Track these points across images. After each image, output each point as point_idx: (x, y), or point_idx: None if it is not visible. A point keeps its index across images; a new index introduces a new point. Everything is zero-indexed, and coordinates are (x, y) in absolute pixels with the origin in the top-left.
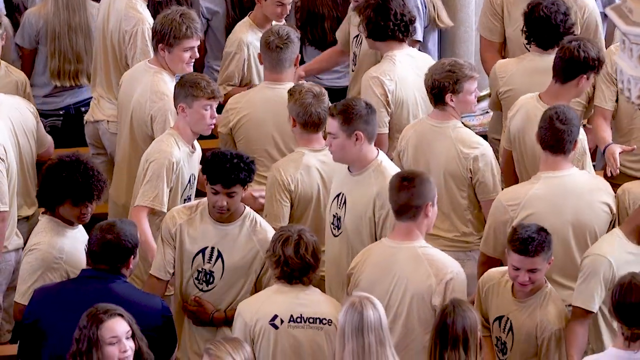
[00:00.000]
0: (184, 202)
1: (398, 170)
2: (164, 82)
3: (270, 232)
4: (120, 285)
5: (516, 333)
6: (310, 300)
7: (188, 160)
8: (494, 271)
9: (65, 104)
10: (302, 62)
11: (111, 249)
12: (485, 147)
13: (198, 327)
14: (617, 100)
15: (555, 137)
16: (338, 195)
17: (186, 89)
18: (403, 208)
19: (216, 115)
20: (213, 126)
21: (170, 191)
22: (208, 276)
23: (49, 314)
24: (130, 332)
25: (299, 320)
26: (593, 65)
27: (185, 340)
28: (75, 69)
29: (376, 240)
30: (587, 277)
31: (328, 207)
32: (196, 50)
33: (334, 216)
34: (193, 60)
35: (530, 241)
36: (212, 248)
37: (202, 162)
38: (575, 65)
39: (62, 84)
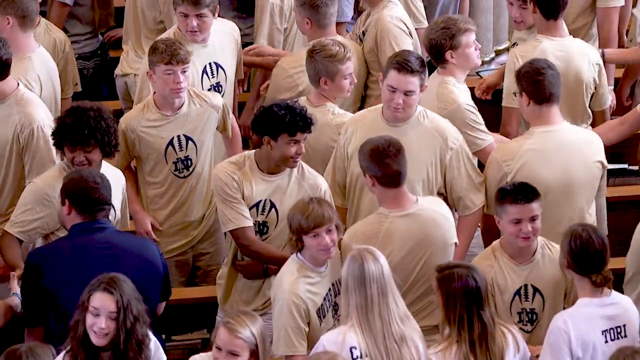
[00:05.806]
0: None
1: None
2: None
3: (319, 178)
4: (115, 234)
5: (545, 290)
6: None
7: None
8: (483, 264)
9: (94, 47)
10: None
11: (104, 196)
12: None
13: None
14: None
15: (550, 88)
16: None
17: None
18: (400, 175)
19: (180, 79)
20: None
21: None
22: (262, 227)
23: (50, 273)
24: (115, 315)
25: None
26: None
27: (235, 294)
28: (106, 12)
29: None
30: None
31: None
32: (193, 19)
33: None
34: (196, 28)
35: (523, 188)
36: (266, 200)
37: (264, 119)
38: None
39: (100, 31)
